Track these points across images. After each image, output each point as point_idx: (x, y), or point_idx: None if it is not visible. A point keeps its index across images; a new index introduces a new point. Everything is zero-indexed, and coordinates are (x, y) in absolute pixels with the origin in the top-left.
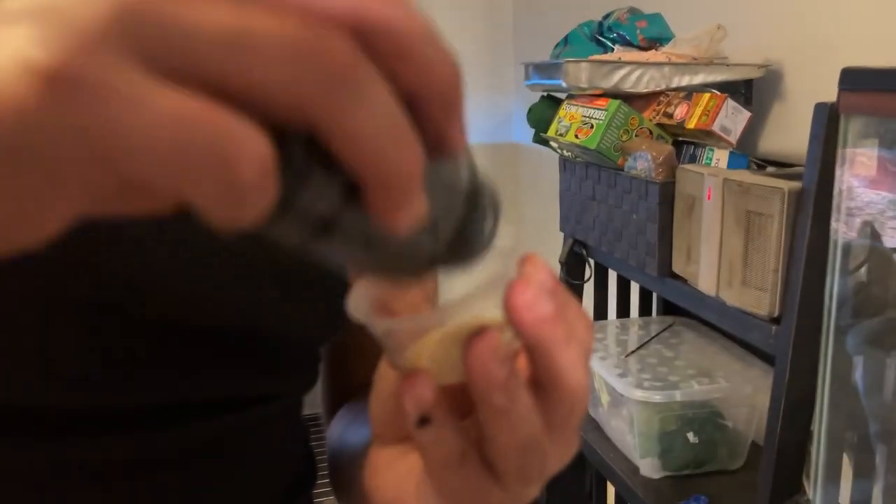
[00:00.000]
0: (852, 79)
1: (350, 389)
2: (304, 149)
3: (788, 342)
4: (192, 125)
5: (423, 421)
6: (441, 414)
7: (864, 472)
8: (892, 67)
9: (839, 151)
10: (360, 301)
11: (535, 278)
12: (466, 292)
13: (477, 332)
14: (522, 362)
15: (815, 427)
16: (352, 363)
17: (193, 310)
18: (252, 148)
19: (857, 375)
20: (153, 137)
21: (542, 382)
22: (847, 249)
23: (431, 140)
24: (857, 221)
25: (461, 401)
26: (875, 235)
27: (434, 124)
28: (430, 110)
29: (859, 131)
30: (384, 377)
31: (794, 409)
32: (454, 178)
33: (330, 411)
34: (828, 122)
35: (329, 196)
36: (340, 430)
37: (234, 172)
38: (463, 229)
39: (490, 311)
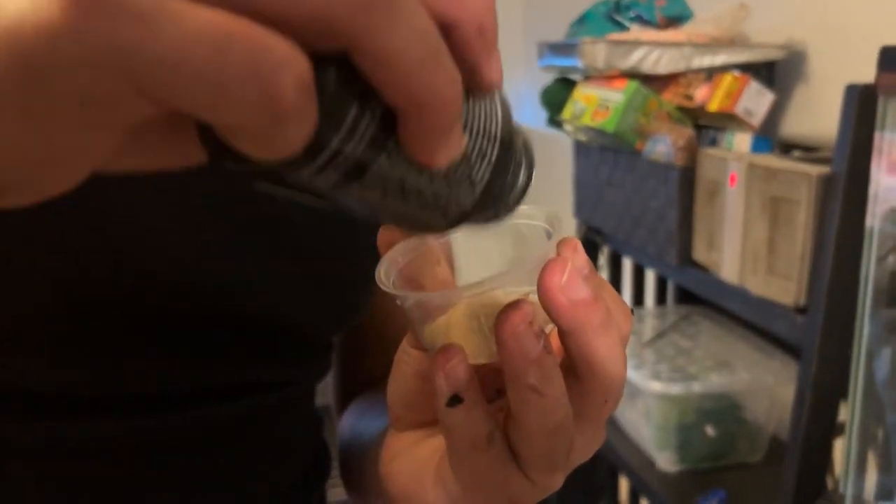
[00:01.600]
0: (893, 59)
1: (362, 383)
2: (337, 76)
3: (816, 333)
4: (227, 40)
5: (455, 400)
6: (473, 393)
7: (886, 465)
8: None
9: (876, 135)
10: (389, 272)
11: (572, 261)
12: (501, 270)
13: (511, 305)
14: (556, 346)
15: (847, 419)
16: (366, 356)
17: (210, 296)
18: (292, 65)
19: (878, 366)
20: (187, 54)
21: (576, 370)
22: (880, 237)
23: (467, 75)
24: (887, 208)
25: (488, 383)
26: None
27: (471, 56)
28: (465, 40)
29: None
30: (406, 357)
31: (820, 401)
32: (490, 119)
33: (341, 405)
34: (860, 105)
35: (364, 132)
36: (351, 423)
37: (274, 91)
38: (496, 177)
39: (523, 292)
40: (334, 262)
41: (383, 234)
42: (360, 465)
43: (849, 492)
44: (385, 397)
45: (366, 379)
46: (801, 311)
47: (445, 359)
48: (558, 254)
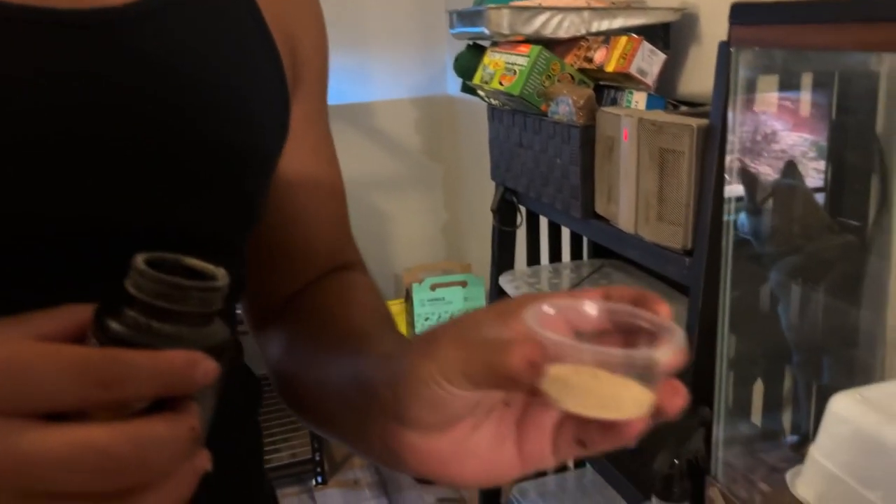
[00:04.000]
0: (741, 13)
1: (272, 304)
2: None
3: (700, 273)
4: None
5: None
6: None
7: (794, 403)
8: (779, 1)
9: (731, 85)
10: (534, 315)
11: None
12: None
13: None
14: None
15: (718, 350)
16: (273, 273)
17: (98, 214)
18: None
19: (782, 310)
20: None
21: None
22: (755, 183)
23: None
24: (764, 156)
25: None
26: (789, 171)
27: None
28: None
29: (750, 64)
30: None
31: (705, 335)
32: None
33: (255, 320)
34: (726, 60)
35: None
36: (293, 359)
37: None
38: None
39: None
40: (225, 166)
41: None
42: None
43: (722, 418)
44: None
45: (276, 298)
46: (688, 253)
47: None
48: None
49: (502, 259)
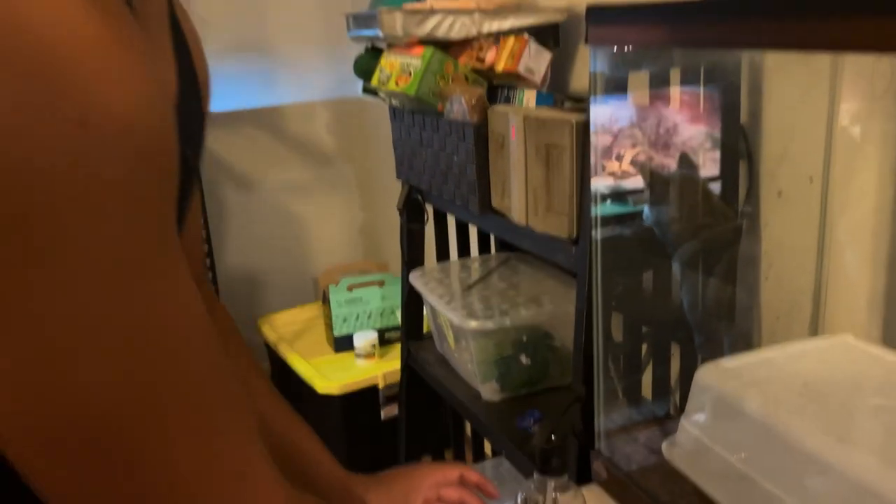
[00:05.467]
0: (596, 14)
1: None
2: None
3: (584, 259)
4: None
5: None
6: None
7: (660, 376)
8: (630, 3)
9: (591, 82)
10: None
11: None
12: None
13: None
14: None
15: (595, 327)
16: None
17: None
18: None
19: (683, 293)
20: None
21: None
22: (649, 174)
23: None
24: (645, 148)
25: None
26: (683, 162)
27: None
28: None
29: (620, 61)
30: None
31: (591, 319)
32: None
33: None
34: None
35: None
36: None
37: None
38: None
39: None
40: None
41: None
42: None
43: (601, 390)
44: None
45: None
46: (575, 241)
47: None
48: None
49: (412, 256)
